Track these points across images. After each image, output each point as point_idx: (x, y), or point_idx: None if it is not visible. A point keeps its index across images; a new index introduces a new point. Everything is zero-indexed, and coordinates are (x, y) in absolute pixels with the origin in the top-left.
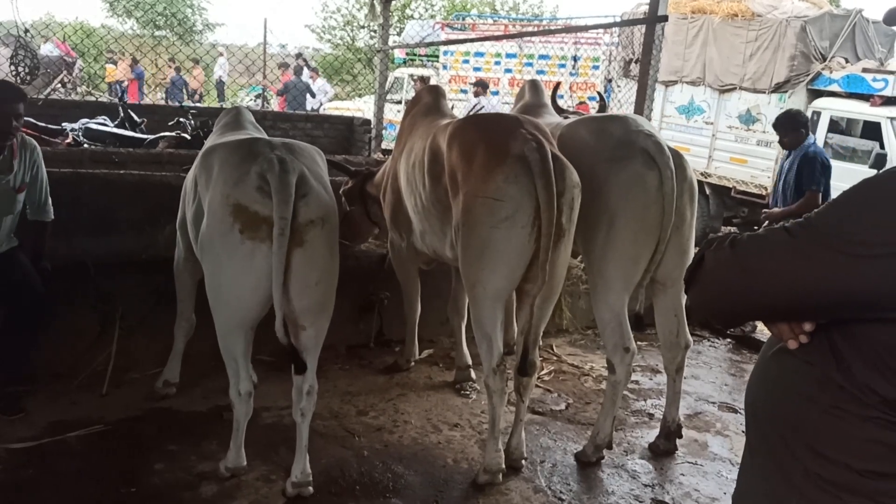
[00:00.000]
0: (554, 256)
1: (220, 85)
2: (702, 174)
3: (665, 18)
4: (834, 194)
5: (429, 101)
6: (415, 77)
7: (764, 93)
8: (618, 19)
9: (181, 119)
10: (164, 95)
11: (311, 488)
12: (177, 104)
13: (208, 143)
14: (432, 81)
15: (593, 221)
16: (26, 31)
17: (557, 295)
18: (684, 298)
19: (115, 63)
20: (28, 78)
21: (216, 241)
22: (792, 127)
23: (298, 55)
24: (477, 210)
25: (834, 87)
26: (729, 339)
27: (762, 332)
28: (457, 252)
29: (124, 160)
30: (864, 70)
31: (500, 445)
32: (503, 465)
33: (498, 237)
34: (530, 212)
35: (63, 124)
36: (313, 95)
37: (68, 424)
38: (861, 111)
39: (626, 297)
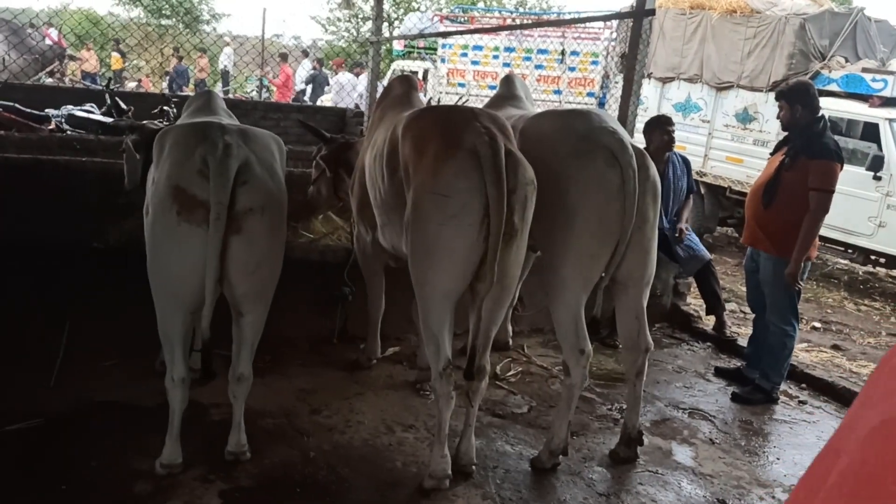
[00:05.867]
0: (505, 256)
1: (224, 75)
2: (697, 173)
3: (652, 13)
4: (839, 199)
5: (399, 92)
6: (405, 70)
7: (761, 91)
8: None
9: (165, 107)
10: (167, 84)
11: (248, 454)
12: (162, 93)
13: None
14: (430, 74)
15: (552, 218)
16: None
17: (510, 297)
18: (645, 300)
19: (121, 52)
20: None
21: (157, 223)
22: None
23: (305, 52)
24: (425, 205)
25: (832, 87)
26: (709, 343)
27: (747, 336)
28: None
29: (94, 148)
30: (864, 70)
31: (446, 450)
32: (449, 471)
33: (446, 234)
34: (480, 209)
35: (47, 110)
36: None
37: (8, 417)
38: (859, 112)
39: (584, 298)
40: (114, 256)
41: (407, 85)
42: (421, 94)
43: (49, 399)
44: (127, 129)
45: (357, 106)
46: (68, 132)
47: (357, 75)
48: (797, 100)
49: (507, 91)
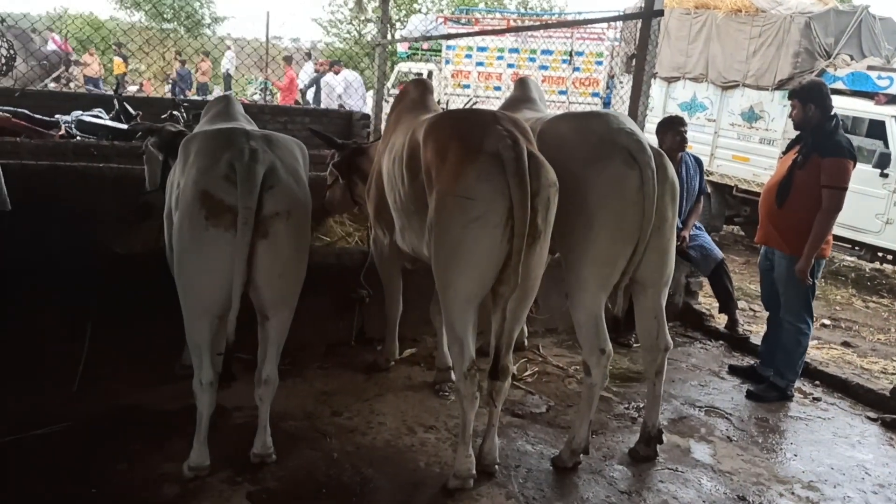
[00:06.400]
0: (528, 258)
1: (227, 78)
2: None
3: (661, 13)
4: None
5: (415, 96)
6: (411, 72)
7: (767, 90)
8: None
9: (174, 112)
10: (169, 88)
11: (273, 456)
12: (171, 97)
13: (195, 130)
14: (434, 76)
15: (571, 220)
16: (2, 20)
17: (532, 297)
18: (664, 300)
19: (123, 57)
20: (4, 68)
21: (184, 228)
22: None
23: (308, 54)
24: (448, 209)
25: (838, 85)
26: (721, 342)
27: (758, 334)
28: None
29: (108, 153)
30: (870, 67)
31: (470, 450)
32: (474, 471)
33: (469, 237)
34: (503, 211)
35: (56, 116)
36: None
37: (34, 422)
38: (865, 109)
39: (604, 298)
40: (131, 261)
41: (422, 88)
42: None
43: (73, 404)
44: (147, 131)
45: (341, 107)
46: (78, 137)
47: (336, 73)
48: (810, 99)
49: (522, 93)
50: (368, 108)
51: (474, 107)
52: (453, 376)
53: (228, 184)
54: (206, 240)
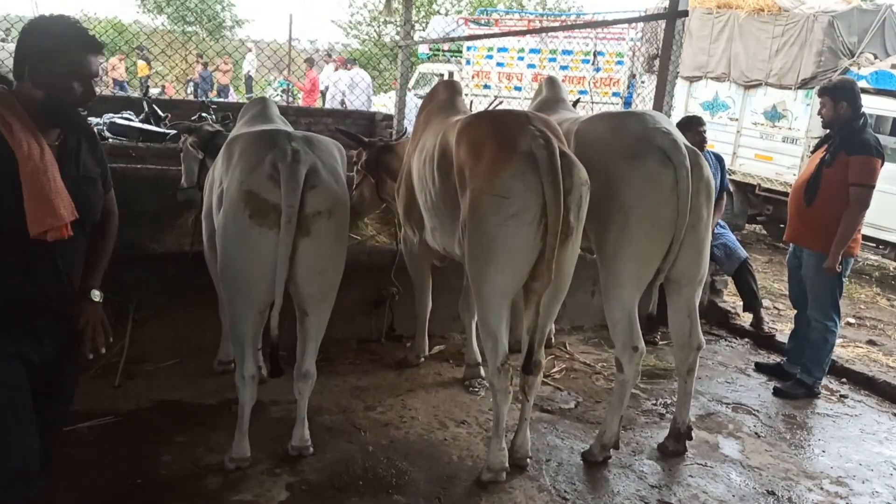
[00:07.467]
0: (561, 255)
1: (248, 80)
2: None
3: (685, 14)
4: (876, 196)
5: (444, 97)
6: (437, 73)
7: (790, 89)
8: (642, 14)
9: (203, 114)
10: (192, 90)
11: (311, 449)
12: (200, 100)
13: (234, 132)
14: (455, 77)
15: (607, 218)
16: None
17: (564, 294)
18: (698, 298)
19: (146, 59)
20: None
21: (229, 226)
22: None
23: (329, 55)
24: (483, 207)
25: (862, 84)
26: (747, 339)
27: (783, 332)
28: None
29: (143, 154)
30: (893, 66)
31: (503, 444)
32: (507, 464)
33: (504, 235)
34: (537, 209)
35: (88, 119)
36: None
37: (80, 415)
38: (889, 108)
39: (638, 296)
40: (169, 259)
41: (451, 90)
42: None
43: (116, 398)
44: (185, 130)
45: (342, 104)
46: (110, 140)
47: (348, 69)
48: (843, 97)
49: (554, 94)
50: (372, 108)
51: (502, 107)
52: (482, 372)
53: (272, 183)
54: (251, 237)
